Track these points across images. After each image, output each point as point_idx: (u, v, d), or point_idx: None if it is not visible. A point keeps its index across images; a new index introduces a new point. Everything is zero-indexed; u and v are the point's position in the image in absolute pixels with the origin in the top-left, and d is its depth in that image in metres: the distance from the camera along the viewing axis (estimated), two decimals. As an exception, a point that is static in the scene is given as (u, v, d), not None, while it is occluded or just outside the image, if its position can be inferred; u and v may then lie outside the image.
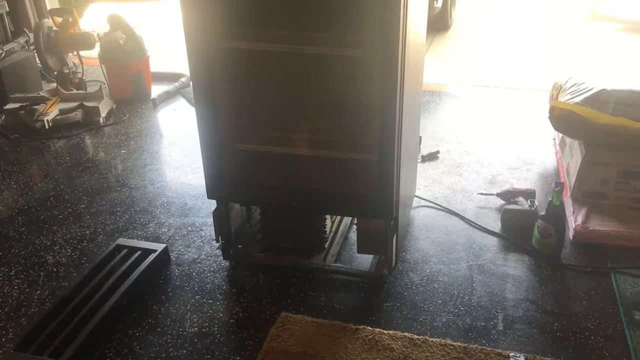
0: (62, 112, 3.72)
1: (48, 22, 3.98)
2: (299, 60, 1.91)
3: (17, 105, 3.68)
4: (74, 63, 4.17)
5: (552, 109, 2.64)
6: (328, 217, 2.37)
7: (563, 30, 6.01)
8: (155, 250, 2.33)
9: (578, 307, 2.11)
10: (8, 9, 4.25)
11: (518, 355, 1.87)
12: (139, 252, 2.33)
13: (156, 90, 4.23)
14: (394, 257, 2.18)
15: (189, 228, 2.62)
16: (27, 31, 4.35)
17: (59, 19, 3.96)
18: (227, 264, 2.37)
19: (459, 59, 5.19)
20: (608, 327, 2.01)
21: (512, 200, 2.67)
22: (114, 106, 3.98)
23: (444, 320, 2.06)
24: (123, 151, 3.41)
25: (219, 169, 2.13)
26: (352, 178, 2.08)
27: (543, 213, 2.33)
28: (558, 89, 2.88)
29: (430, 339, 1.94)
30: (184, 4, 1.84)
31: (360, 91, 1.92)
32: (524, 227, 2.48)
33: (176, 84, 4.30)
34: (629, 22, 6.30)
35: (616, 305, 2.10)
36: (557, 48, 5.41)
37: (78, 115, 3.73)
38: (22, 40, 4.24)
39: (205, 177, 2.15)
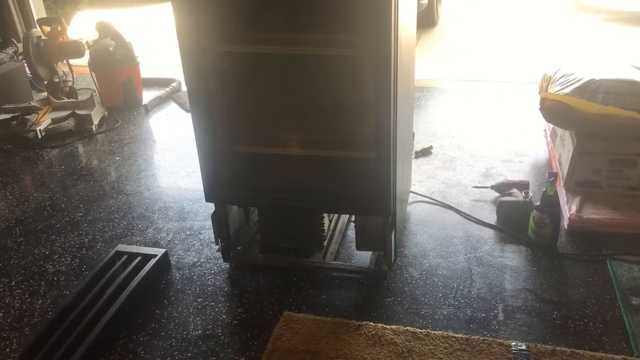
0: (54, 121, 3.72)
1: (37, 31, 3.97)
2: (294, 62, 1.93)
3: (8, 116, 3.67)
4: (63, 72, 4.16)
5: (543, 101, 2.67)
6: (326, 215, 2.39)
7: (549, 22, 6.07)
8: (155, 255, 2.33)
9: (576, 295, 2.14)
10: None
11: (519, 344, 1.90)
12: (139, 258, 2.33)
13: (147, 96, 4.23)
14: (393, 253, 2.21)
15: (188, 232, 2.63)
16: (15, 41, 4.35)
17: (48, 28, 3.95)
18: (228, 265, 2.38)
19: (447, 54, 5.22)
20: (606, 313, 2.04)
21: (506, 192, 2.70)
22: (106, 113, 3.98)
23: (445, 313, 2.08)
24: (117, 158, 3.41)
25: (217, 172, 2.14)
26: (349, 176, 2.10)
27: (538, 203, 2.36)
28: (547, 81, 2.91)
29: (433, 332, 1.96)
30: (176, 8, 1.84)
31: (355, 91, 1.94)
32: (519, 218, 2.51)
33: (167, 89, 4.31)
34: (611, 13, 6.40)
35: (613, 291, 2.14)
36: (544, 40, 5.46)
37: (70, 123, 3.73)
38: (10, 50, 4.23)
39: (202, 180, 2.16)
